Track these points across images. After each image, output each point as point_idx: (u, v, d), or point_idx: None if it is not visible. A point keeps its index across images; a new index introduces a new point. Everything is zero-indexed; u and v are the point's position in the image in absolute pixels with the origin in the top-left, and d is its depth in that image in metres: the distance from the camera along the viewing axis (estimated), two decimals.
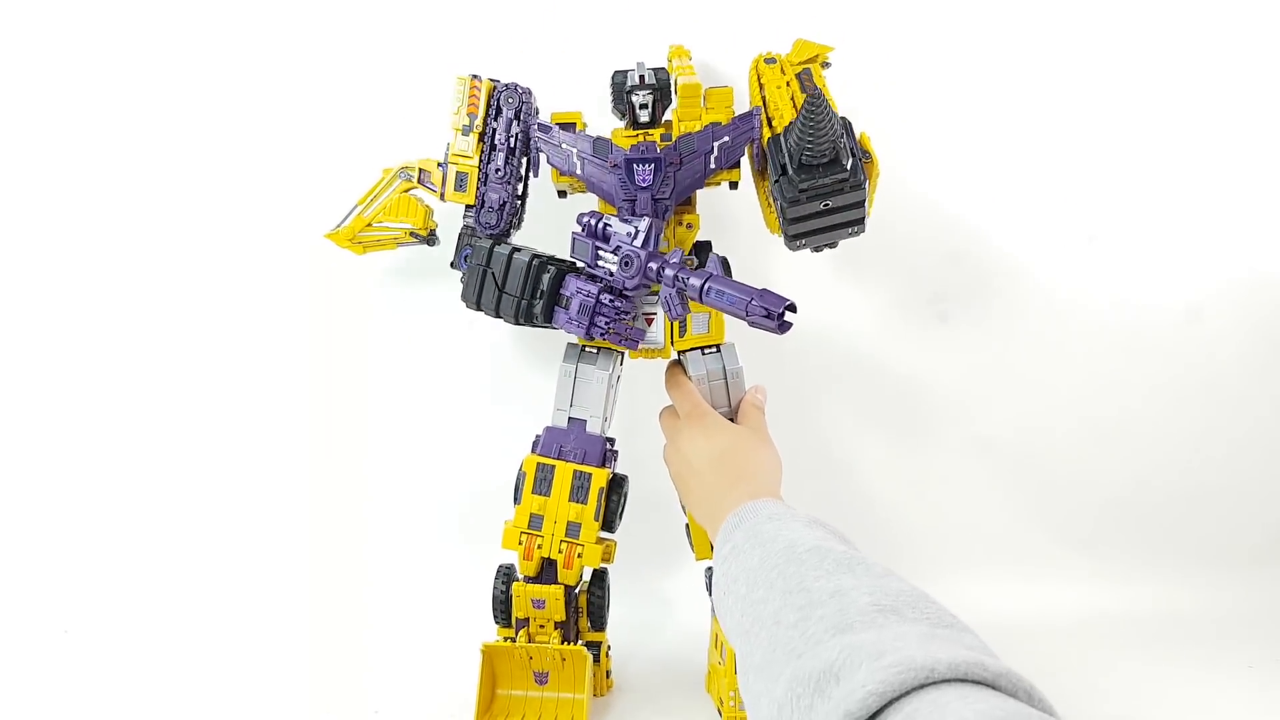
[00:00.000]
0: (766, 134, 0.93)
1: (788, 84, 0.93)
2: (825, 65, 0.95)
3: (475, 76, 0.98)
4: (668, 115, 0.97)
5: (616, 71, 0.96)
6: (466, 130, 0.98)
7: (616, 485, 0.98)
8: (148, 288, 1.29)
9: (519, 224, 1.02)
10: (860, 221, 0.92)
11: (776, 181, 0.89)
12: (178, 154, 1.26)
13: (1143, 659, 1.08)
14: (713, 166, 0.94)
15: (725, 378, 0.96)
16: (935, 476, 1.29)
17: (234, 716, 0.99)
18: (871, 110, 0.98)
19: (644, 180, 0.91)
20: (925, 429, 1.29)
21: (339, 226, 1.02)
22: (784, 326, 0.78)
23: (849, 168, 0.87)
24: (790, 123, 0.89)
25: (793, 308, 0.77)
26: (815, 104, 0.83)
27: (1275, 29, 1.23)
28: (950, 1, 1.22)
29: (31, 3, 1.24)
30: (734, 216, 1.06)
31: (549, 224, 1.03)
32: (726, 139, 0.93)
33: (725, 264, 0.98)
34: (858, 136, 0.91)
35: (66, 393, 1.30)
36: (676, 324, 0.96)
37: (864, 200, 0.90)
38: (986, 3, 1.22)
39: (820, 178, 0.86)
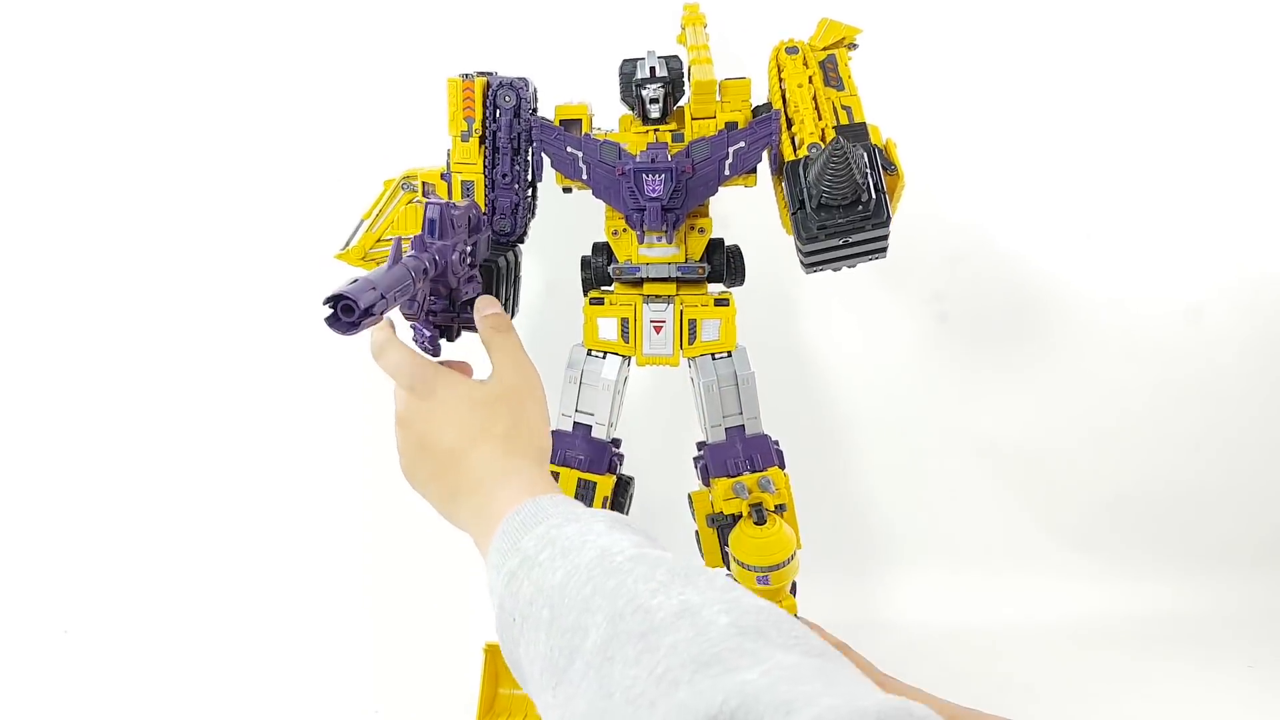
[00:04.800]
0: (785, 137, 0.88)
1: (810, 80, 0.88)
2: (852, 48, 0.91)
3: (466, 76, 0.92)
4: (681, 103, 0.92)
5: (625, 61, 0.90)
6: (466, 136, 0.92)
7: (622, 487, 0.96)
8: (150, 290, 1.29)
9: (533, 216, 0.97)
10: (882, 251, 0.86)
11: (794, 214, 0.85)
12: (185, 173, 1.27)
13: (1143, 659, 1.08)
14: (727, 174, 0.89)
15: (737, 383, 0.95)
16: (934, 476, 1.29)
17: (234, 715, 0.99)
18: (871, 111, 0.97)
19: (654, 191, 0.86)
20: (924, 429, 1.29)
21: (348, 246, 0.97)
22: (334, 325, 0.62)
23: (871, 209, 0.81)
24: (809, 156, 0.84)
25: (336, 299, 0.61)
26: (839, 154, 0.78)
27: (1275, 29, 1.23)
28: (950, 2, 1.22)
29: (30, 41, 1.26)
30: (745, 210, 1.02)
31: (556, 220, 1.01)
32: (742, 144, 0.88)
33: (738, 254, 0.97)
34: (884, 144, 0.86)
35: (68, 395, 1.30)
36: (684, 330, 0.94)
37: (886, 235, 0.84)
38: (986, 4, 1.22)
39: (839, 217, 0.81)
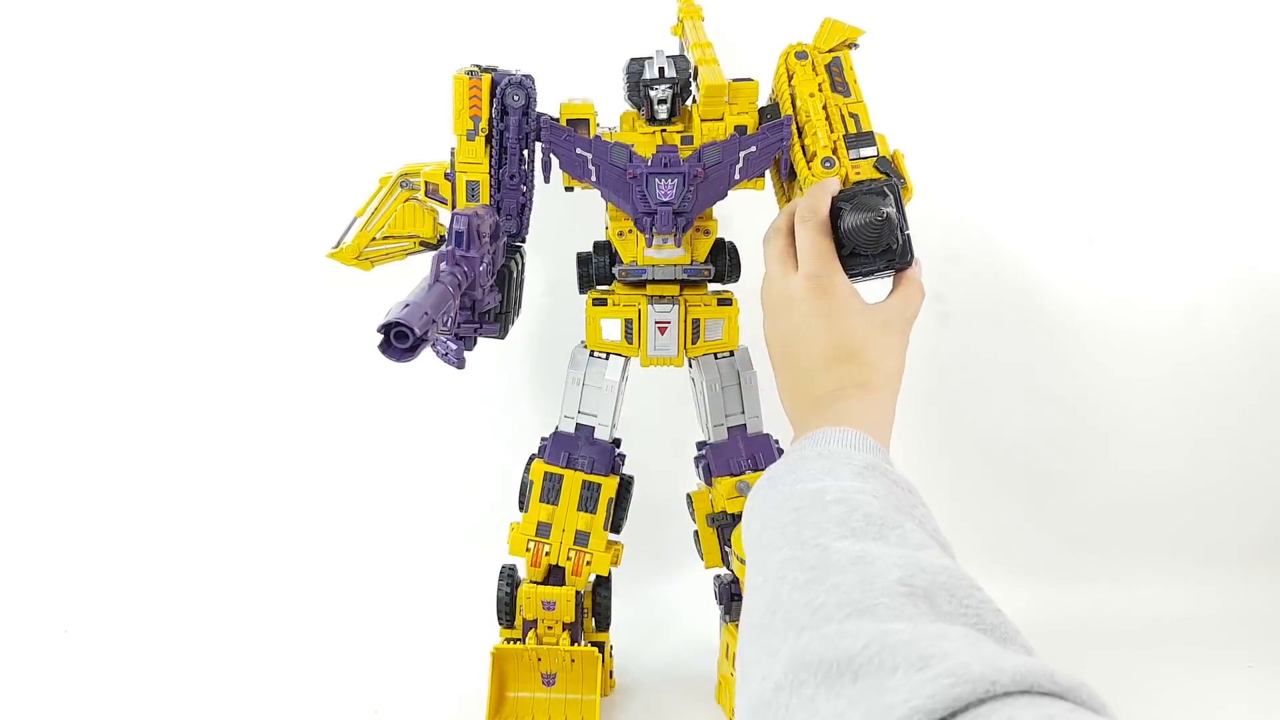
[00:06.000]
0: (796, 146, 0.88)
1: (820, 88, 0.87)
2: (853, 47, 0.90)
3: (472, 73, 0.88)
4: (688, 103, 0.91)
5: (633, 60, 0.89)
6: (471, 135, 0.88)
7: (623, 487, 0.97)
8: (147, 287, 1.29)
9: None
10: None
11: None
12: (178, 168, 1.27)
13: (1143, 659, 1.08)
14: (737, 178, 0.89)
15: (739, 383, 0.95)
16: (934, 476, 1.28)
17: (235, 716, 0.98)
18: (871, 111, 0.96)
19: (665, 195, 0.86)
20: (924, 429, 1.29)
21: (340, 244, 0.93)
22: (387, 351, 0.63)
23: (897, 254, 0.80)
24: (840, 208, 0.79)
25: (389, 326, 0.61)
26: (880, 220, 0.76)
27: (1275, 29, 1.23)
28: (950, 2, 1.22)
29: (28, 41, 1.26)
30: (748, 210, 1.01)
31: (556, 220, 1.01)
32: (753, 149, 0.88)
33: (734, 251, 0.96)
34: (891, 154, 0.85)
35: (69, 395, 1.30)
36: (689, 330, 0.94)
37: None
38: (986, 3, 1.22)
39: (867, 265, 0.80)
